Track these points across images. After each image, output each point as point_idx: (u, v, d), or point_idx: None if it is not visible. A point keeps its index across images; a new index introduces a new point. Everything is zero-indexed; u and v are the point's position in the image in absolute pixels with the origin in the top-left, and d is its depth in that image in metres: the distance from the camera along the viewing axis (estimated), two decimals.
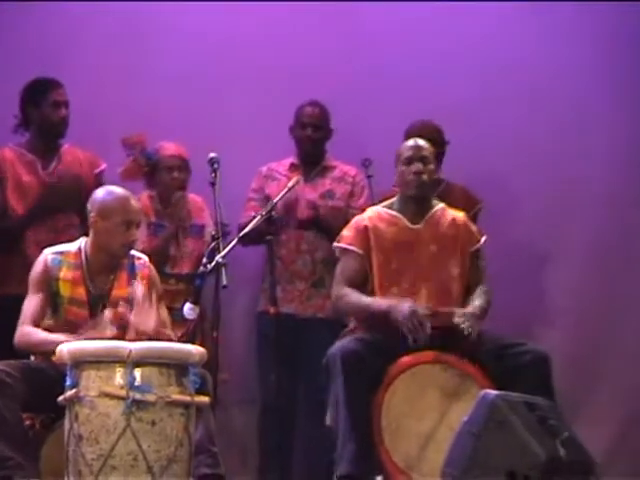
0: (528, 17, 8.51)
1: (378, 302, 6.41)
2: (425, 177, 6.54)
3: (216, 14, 8.36)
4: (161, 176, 7.23)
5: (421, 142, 6.63)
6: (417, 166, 6.52)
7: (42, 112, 7.17)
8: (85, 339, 5.80)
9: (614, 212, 8.29)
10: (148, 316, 6.14)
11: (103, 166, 7.25)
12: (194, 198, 7.31)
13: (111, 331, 5.98)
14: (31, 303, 6.05)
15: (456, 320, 6.28)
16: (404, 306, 6.29)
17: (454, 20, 8.48)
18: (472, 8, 8.41)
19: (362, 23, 8.43)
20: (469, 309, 6.41)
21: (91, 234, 6.14)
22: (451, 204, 6.85)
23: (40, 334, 5.97)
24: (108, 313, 6.06)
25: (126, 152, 7.22)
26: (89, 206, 6.17)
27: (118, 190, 6.21)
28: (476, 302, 6.48)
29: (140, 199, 6.70)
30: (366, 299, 6.47)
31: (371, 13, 8.43)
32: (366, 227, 6.56)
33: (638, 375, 7.96)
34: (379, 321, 6.37)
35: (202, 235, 7.23)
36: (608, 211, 8.30)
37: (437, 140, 7.25)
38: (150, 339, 5.98)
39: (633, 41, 8.51)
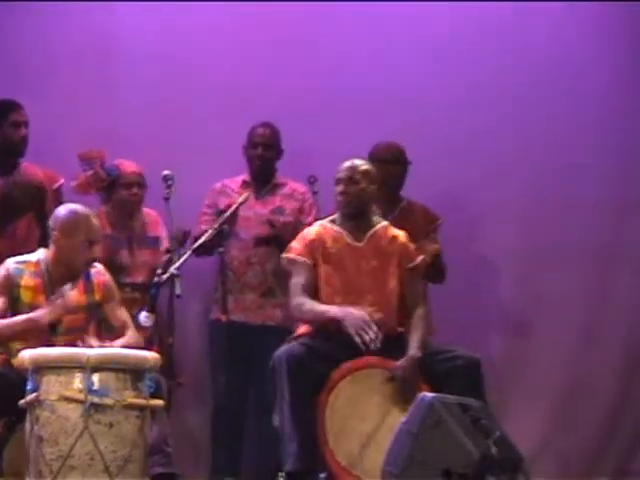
0: (477, 37, 8.44)
1: (333, 309, 6.41)
2: (347, 197, 6.58)
3: (172, 34, 8.25)
4: (120, 192, 7.17)
5: (357, 162, 6.64)
6: (341, 187, 6.56)
7: (3, 132, 7.14)
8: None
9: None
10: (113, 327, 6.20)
11: (61, 181, 7.20)
12: (149, 212, 7.28)
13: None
14: None
15: (401, 367, 6.30)
16: (358, 314, 6.33)
17: (403, 38, 8.40)
18: (424, 29, 8.37)
19: (314, 46, 8.34)
20: (410, 354, 6.35)
21: (53, 248, 6.13)
22: (412, 221, 6.97)
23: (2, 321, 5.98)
24: (67, 331, 6.06)
25: (82, 167, 7.14)
26: (51, 223, 6.17)
27: (80, 209, 6.20)
28: (414, 340, 6.43)
29: (98, 214, 6.66)
30: (322, 306, 6.47)
31: (323, 35, 8.37)
32: (313, 240, 6.58)
33: (560, 378, 7.97)
34: (333, 327, 6.37)
35: (157, 246, 7.19)
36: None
37: (400, 160, 7.35)
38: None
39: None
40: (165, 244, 7.07)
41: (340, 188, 6.56)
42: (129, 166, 7.18)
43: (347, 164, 6.63)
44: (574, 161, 8.36)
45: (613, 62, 8.50)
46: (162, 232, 7.19)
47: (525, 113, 8.42)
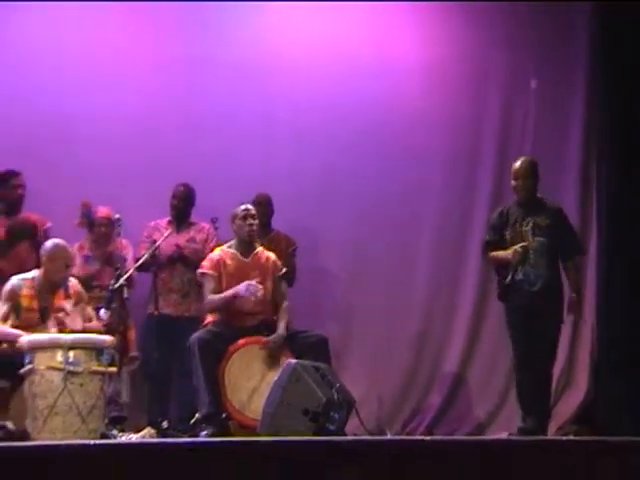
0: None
1: (228, 292, 6.44)
2: (254, 228, 6.59)
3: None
4: (96, 228, 7.04)
5: (249, 207, 6.61)
6: (250, 221, 6.55)
7: (7, 192, 6.93)
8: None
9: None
10: (75, 321, 6.15)
11: (49, 224, 6.90)
12: (120, 240, 6.93)
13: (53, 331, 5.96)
14: (1, 309, 6.02)
15: (271, 341, 6.35)
16: (245, 284, 6.40)
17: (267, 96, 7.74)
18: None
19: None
20: (280, 333, 6.41)
21: (42, 269, 6.11)
22: (279, 245, 6.88)
23: (7, 329, 5.95)
24: (52, 323, 6.02)
25: (81, 210, 6.96)
26: (41, 252, 6.15)
27: (61, 242, 6.18)
28: (281, 324, 6.47)
29: (80, 242, 6.65)
30: (221, 294, 6.47)
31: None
32: (218, 260, 6.56)
33: (372, 346, 7.69)
34: (231, 301, 6.41)
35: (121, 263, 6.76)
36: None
37: (268, 204, 7.25)
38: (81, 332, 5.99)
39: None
40: (129, 261, 6.84)
41: (248, 222, 6.52)
42: (101, 211, 7.00)
43: (242, 207, 6.59)
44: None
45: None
46: (128, 254, 6.93)
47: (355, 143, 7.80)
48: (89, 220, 7.03)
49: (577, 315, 6.33)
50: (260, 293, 6.45)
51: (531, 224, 6.36)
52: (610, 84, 7.63)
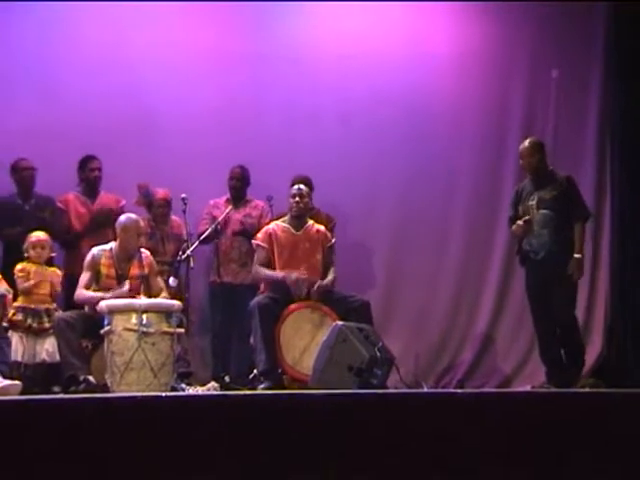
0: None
1: (278, 273, 6.44)
2: (301, 205, 6.60)
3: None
4: (155, 208, 7.04)
5: (301, 186, 6.61)
6: (297, 199, 6.57)
7: (87, 174, 6.99)
8: (114, 297, 5.90)
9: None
10: (149, 287, 6.19)
11: (123, 202, 6.98)
12: (175, 219, 7.04)
13: (126, 294, 5.99)
14: (84, 277, 6.10)
15: (318, 288, 6.36)
16: (293, 276, 6.37)
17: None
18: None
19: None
20: (325, 282, 6.44)
21: (118, 240, 6.18)
22: (318, 221, 6.82)
23: (88, 294, 6.04)
24: (127, 285, 6.06)
25: (139, 191, 6.96)
26: (117, 225, 6.22)
27: (133, 216, 6.27)
28: (329, 277, 6.49)
29: (143, 220, 6.61)
30: (271, 272, 6.48)
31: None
32: (270, 233, 6.55)
33: (412, 314, 7.70)
34: (278, 284, 6.41)
35: (178, 239, 6.93)
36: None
37: (308, 184, 6.95)
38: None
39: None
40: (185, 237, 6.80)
41: (295, 200, 6.55)
42: (159, 192, 7.01)
43: (296, 187, 6.60)
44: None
45: None
46: (182, 232, 6.88)
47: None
48: (147, 200, 7.02)
49: (575, 274, 6.24)
50: (304, 292, 6.38)
51: (536, 199, 6.31)
52: (623, 74, 7.61)
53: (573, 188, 6.39)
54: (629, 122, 7.53)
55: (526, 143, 6.44)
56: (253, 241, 6.67)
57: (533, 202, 6.34)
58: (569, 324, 6.35)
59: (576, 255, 6.20)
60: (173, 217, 7.06)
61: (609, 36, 7.76)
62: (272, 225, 6.68)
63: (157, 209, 7.06)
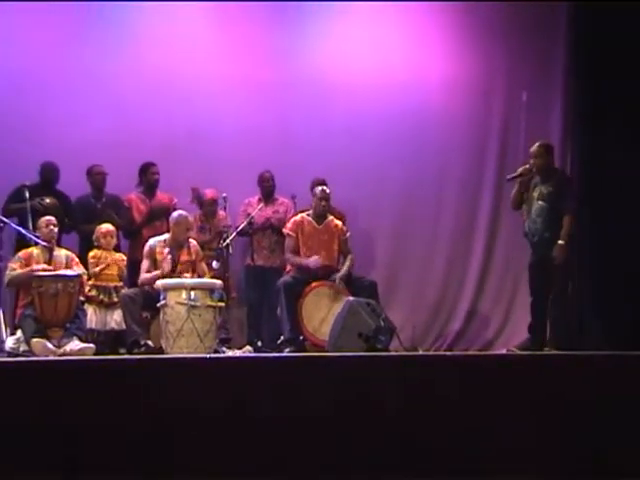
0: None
1: (305, 260, 6.42)
2: (324, 205, 6.58)
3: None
4: (205, 206, 6.91)
5: (325, 188, 6.56)
6: (323, 203, 6.54)
7: (147, 177, 6.94)
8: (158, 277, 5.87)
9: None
10: (196, 270, 6.11)
11: (175, 200, 6.86)
12: (221, 213, 6.86)
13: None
14: (144, 265, 6.06)
15: (339, 280, 6.33)
16: (312, 260, 6.40)
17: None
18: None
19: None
20: (342, 273, 6.38)
21: (170, 232, 6.16)
22: (334, 215, 6.75)
23: (149, 276, 5.97)
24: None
25: (192, 193, 6.85)
26: (170, 219, 6.20)
27: (183, 213, 6.20)
28: (345, 265, 6.45)
29: (193, 216, 6.57)
30: (298, 258, 6.46)
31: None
32: (298, 223, 6.52)
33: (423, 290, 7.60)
34: (304, 268, 6.41)
35: (222, 231, 6.72)
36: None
37: (323, 184, 6.81)
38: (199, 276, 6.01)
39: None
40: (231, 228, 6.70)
41: (319, 199, 6.52)
42: (208, 194, 6.88)
43: (320, 188, 6.55)
44: None
45: None
46: (227, 224, 6.74)
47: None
48: (200, 200, 6.90)
49: (559, 257, 6.10)
50: (320, 273, 6.36)
51: (538, 192, 6.16)
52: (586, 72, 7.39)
53: (567, 186, 6.22)
54: (588, 127, 7.34)
55: (535, 146, 6.23)
56: (284, 230, 6.60)
57: (535, 194, 6.16)
58: (563, 290, 6.18)
59: (560, 242, 6.01)
60: (220, 212, 6.95)
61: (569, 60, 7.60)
62: (300, 216, 6.61)
63: (207, 207, 6.96)
